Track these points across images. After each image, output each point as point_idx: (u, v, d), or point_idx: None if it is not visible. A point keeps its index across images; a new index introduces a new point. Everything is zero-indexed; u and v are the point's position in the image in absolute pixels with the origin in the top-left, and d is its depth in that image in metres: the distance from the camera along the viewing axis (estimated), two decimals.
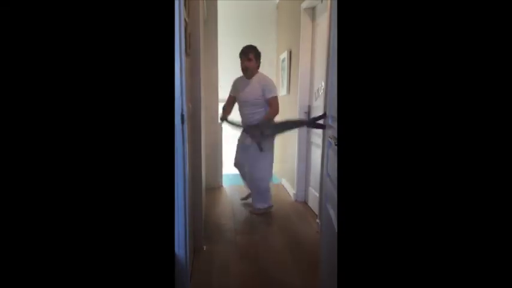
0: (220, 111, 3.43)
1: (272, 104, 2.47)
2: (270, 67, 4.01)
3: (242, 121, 2.59)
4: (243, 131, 2.59)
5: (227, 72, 3.91)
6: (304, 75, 2.82)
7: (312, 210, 2.76)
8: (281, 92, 3.56)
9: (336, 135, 1.01)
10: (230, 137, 4.29)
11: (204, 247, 2.08)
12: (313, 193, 2.73)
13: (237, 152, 2.71)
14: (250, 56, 2.47)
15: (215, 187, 3.46)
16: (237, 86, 2.59)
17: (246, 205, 2.90)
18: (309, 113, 2.84)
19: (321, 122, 2.08)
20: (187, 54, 1.66)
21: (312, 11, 2.76)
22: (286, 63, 3.31)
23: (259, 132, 2.43)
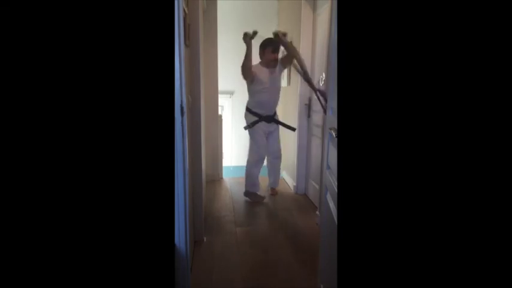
0: (219, 104, 3.45)
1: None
2: None
3: (265, 109, 2.67)
4: (262, 121, 2.68)
5: (227, 63, 3.89)
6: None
7: (312, 202, 2.77)
8: (282, 83, 3.54)
9: (336, 127, 1.01)
10: (230, 129, 4.30)
11: (205, 239, 2.09)
12: (313, 185, 2.74)
13: (261, 141, 2.77)
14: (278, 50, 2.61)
15: (215, 179, 3.47)
16: (261, 75, 2.62)
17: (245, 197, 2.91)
18: (309, 104, 2.83)
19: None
20: (186, 45, 1.64)
21: (313, 2, 2.72)
22: None
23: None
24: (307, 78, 2.45)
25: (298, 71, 2.54)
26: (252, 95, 2.68)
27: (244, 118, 2.77)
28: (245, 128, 2.72)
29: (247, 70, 2.51)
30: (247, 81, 2.62)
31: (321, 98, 2.20)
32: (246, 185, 2.86)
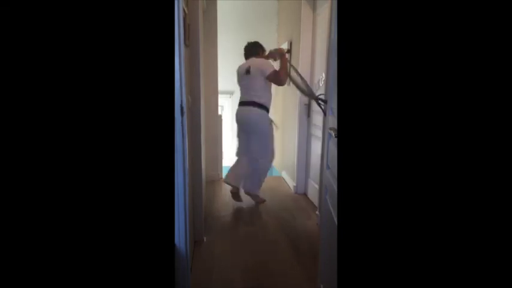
0: (219, 104, 3.43)
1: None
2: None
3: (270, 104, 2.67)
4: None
5: (227, 63, 3.89)
6: (305, 67, 2.80)
7: (312, 203, 2.77)
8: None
9: (336, 127, 1.01)
10: (230, 129, 4.29)
11: (205, 239, 2.09)
12: (313, 185, 2.74)
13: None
14: None
15: (215, 179, 3.47)
16: None
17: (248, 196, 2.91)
18: (309, 104, 2.83)
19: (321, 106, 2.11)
20: (186, 45, 1.64)
21: (313, 2, 2.73)
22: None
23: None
24: (309, 92, 2.43)
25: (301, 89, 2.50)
26: (270, 93, 2.62)
27: (262, 120, 2.58)
28: (273, 126, 2.63)
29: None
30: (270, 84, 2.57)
31: (322, 104, 2.18)
32: (253, 188, 2.75)
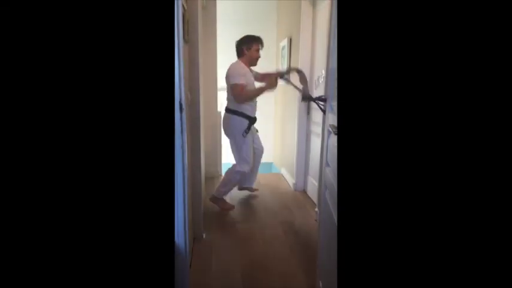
0: (219, 100, 3.39)
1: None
2: (270, 55, 3.96)
3: (251, 111, 2.46)
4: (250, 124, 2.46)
5: (226, 59, 3.87)
6: (305, 63, 2.79)
7: (311, 200, 2.77)
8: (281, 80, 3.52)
9: (335, 124, 1.00)
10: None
11: (204, 235, 2.10)
12: (313, 182, 2.74)
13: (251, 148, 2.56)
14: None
15: (214, 176, 3.47)
16: (248, 74, 2.44)
17: (245, 193, 2.91)
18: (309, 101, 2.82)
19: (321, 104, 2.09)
20: (185, 41, 1.63)
21: None
22: (286, 50, 3.27)
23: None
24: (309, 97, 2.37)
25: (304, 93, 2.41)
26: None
27: (228, 124, 2.45)
28: (244, 135, 2.41)
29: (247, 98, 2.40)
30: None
31: (320, 103, 2.16)
32: (222, 192, 2.56)
